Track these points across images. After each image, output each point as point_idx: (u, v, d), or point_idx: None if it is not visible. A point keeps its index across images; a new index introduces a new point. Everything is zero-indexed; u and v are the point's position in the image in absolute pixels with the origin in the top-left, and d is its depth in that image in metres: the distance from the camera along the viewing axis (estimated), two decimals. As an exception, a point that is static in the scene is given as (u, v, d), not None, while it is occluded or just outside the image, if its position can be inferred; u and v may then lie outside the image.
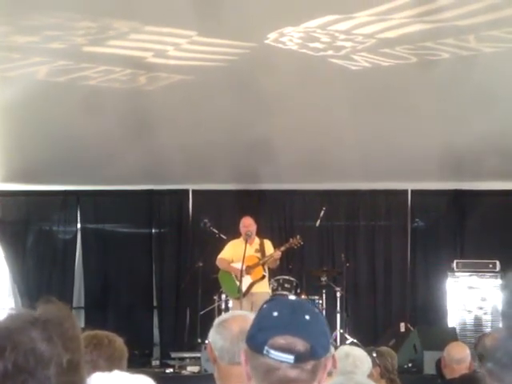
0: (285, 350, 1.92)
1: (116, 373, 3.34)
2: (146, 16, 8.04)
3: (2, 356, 1.54)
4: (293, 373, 1.94)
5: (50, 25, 8.01)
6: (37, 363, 1.56)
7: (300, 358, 1.92)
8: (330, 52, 8.57)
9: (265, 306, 2.04)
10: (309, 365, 1.94)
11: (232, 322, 2.98)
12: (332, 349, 4.11)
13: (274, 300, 2.06)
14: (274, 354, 1.92)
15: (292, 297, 2.22)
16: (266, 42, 8.26)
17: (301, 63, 8.80)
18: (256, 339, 1.97)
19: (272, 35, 8.17)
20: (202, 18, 7.70)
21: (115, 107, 9.44)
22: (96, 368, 3.45)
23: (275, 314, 1.96)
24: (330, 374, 3.44)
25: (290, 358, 1.92)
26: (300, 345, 1.93)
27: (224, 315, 3.16)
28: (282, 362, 1.93)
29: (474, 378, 5.33)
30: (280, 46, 8.33)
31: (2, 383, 1.51)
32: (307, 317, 1.96)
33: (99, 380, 3.13)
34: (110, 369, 3.48)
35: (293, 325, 1.94)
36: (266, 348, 1.93)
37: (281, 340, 1.92)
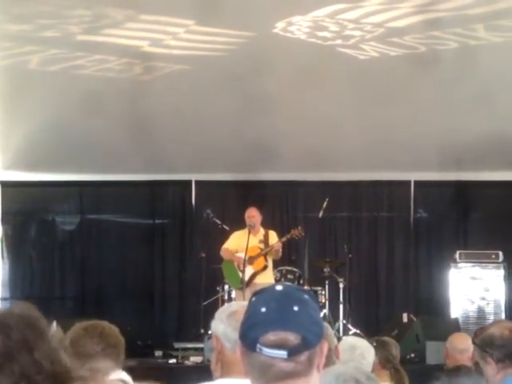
0: (277, 346, 1.90)
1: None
2: (142, 4, 8.01)
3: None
4: (288, 367, 1.92)
5: (43, 13, 7.96)
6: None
7: (293, 352, 1.91)
8: (339, 41, 8.54)
9: (253, 299, 2.02)
10: (303, 356, 1.93)
11: (242, 313, 2.95)
12: (335, 339, 4.10)
13: (260, 294, 2.03)
14: (267, 351, 1.91)
15: (279, 287, 2.19)
16: (275, 31, 8.23)
17: (308, 53, 8.77)
18: (248, 337, 1.95)
19: (280, 24, 8.13)
20: (202, 7, 7.66)
21: (115, 97, 9.41)
22: (107, 358, 3.46)
23: (263, 309, 1.94)
24: (333, 364, 3.44)
25: (283, 353, 1.90)
26: (292, 338, 1.91)
27: (229, 307, 3.13)
28: (275, 358, 1.91)
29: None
30: (288, 35, 8.30)
31: None
32: (296, 308, 1.94)
33: None
34: (117, 357, 3.49)
35: (282, 319, 1.92)
36: (258, 346, 1.91)
37: (272, 336, 1.91)
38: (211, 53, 8.89)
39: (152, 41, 8.66)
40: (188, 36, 8.47)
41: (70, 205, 12.27)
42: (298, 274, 10.53)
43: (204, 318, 10.27)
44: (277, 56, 8.73)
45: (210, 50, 8.86)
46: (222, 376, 2.96)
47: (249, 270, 9.67)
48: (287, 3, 8.01)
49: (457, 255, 11.16)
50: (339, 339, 5.25)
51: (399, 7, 7.87)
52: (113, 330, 3.62)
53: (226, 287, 10.43)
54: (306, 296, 2.01)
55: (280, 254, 9.94)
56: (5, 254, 12.04)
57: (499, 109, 9.62)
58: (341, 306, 10.69)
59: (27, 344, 1.62)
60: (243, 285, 9.49)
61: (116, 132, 10.06)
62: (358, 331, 10.27)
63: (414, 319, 9.89)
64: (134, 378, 3.60)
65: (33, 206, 12.24)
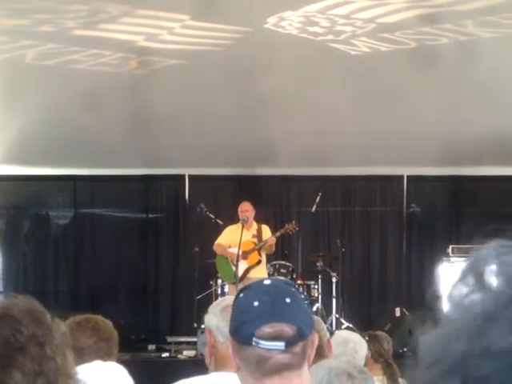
0: (274, 337, 1.92)
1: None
2: (138, -1, 8.02)
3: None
4: (285, 358, 1.94)
5: (40, 8, 7.96)
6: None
7: (290, 343, 1.92)
8: (330, 37, 8.55)
9: (241, 295, 2.02)
10: (298, 347, 1.95)
11: None
12: (328, 333, 4.12)
13: (249, 289, 2.03)
14: (264, 343, 1.91)
15: (266, 281, 2.19)
16: (266, 26, 8.24)
17: (300, 48, 8.78)
18: (242, 332, 1.95)
19: (272, 19, 8.14)
20: (198, 2, 7.67)
21: (110, 92, 9.41)
22: (100, 351, 3.47)
23: (256, 303, 1.95)
24: (326, 358, 3.46)
25: (281, 344, 1.92)
26: (287, 329, 1.93)
27: (222, 301, 3.15)
28: (272, 350, 1.92)
29: None
30: (280, 30, 8.31)
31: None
32: (288, 300, 1.96)
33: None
34: (110, 350, 3.50)
35: (276, 311, 1.94)
36: (254, 339, 1.92)
37: (268, 329, 1.92)
38: (206, 47, 8.90)
39: (147, 35, 8.66)
40: (183, 31, 8.47)
41: (63, 199, 12.26)
42: (291, 269, 10.53)
43: (197, 312, 10.28)
44: (270, 51, 8.74)
45: (205, 45, 8.86)
46: (216, 370, 2.98)
47: (243, 265, 9.67)
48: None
49: (449, 250, 11.17)
50: (332, 333, 5.27)
51: (390, 3, 7.89)
52: (106, 323, 3.62)
53: (220, 281, 10.44)
54: (293, 288, 2.04)
55: (273, 248, 9.95)
56: (-2, 248, 12.05)
57: (494, 105, 9.64)
58: (334, 300, 10.71)
59: (37, 339, 1.62)
60: (236, 279, 9.49)
61: (110, 126, 10.06)
62: (350, 325, 10.29)
63: (407, 313, 9.92)
64: (128, 373, 3.61)
65: (26, 200, 12.23)
